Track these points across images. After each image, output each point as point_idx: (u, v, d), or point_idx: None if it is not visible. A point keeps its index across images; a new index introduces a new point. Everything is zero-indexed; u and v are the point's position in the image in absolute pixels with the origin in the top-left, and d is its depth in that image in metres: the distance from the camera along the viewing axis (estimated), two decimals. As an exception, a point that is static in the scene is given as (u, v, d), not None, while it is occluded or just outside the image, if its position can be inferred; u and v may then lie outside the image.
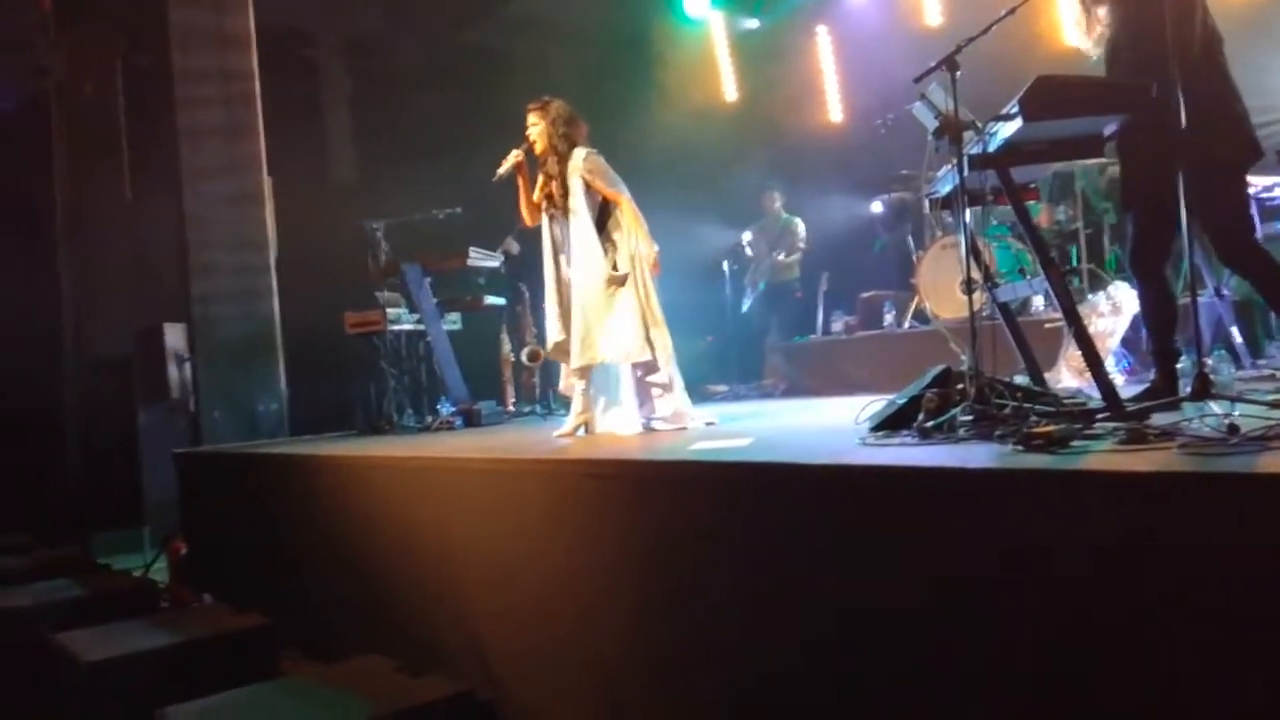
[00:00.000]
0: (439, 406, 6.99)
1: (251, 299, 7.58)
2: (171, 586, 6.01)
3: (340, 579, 4.67)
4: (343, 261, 7.92)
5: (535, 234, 5.23)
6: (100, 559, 6.66)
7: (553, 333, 4.91)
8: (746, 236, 9.44)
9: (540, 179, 4.95)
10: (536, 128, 4.89)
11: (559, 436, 4.82)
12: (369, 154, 10.39)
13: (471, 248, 6.93)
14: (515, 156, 4.95)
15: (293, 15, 9.53)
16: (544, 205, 4.94)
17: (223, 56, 7.64)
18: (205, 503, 6.23)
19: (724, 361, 9.10)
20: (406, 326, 7.00)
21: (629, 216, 4.81)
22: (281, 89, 8.35)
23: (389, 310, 6.87)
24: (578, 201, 4.80)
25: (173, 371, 7.44)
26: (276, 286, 7.66)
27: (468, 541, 3.87)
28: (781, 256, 8.93)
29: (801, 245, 8.97)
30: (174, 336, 7.51)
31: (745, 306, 9.16)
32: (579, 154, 4.83)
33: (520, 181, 5.00)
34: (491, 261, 7.24)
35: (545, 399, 7.60)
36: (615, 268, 4.76)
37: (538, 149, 4.92)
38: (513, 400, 7.75)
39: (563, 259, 4.91)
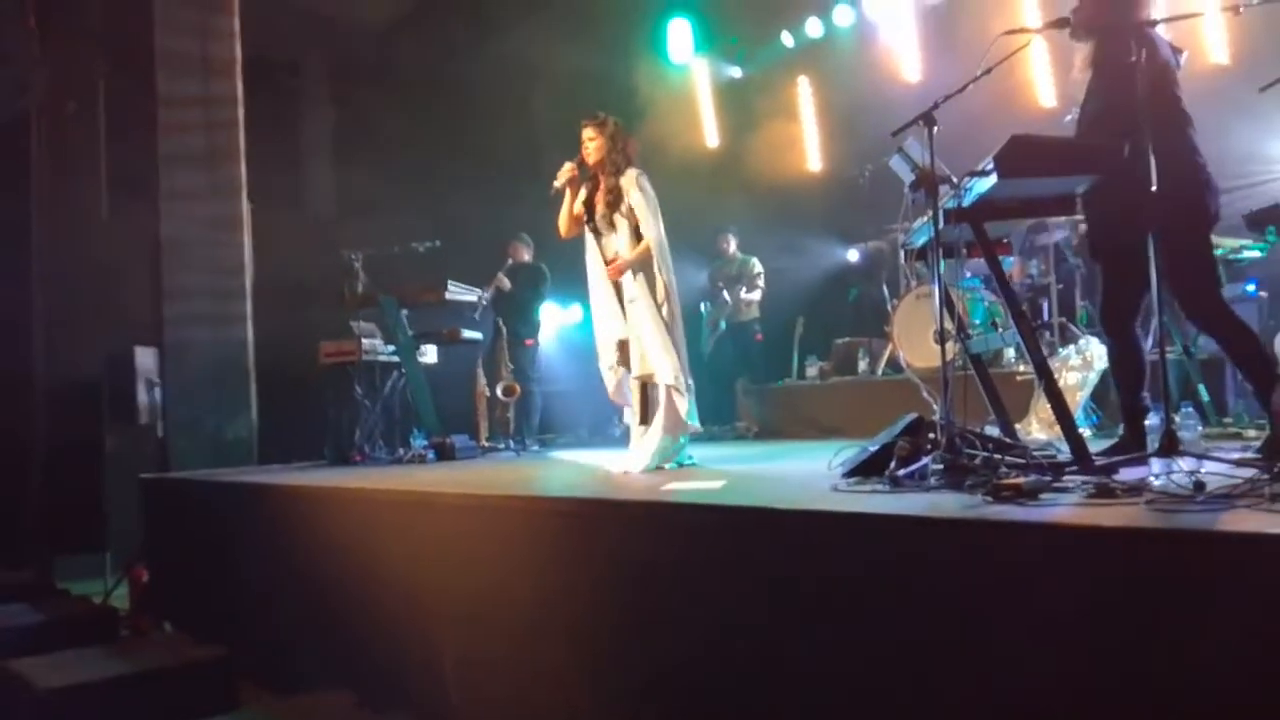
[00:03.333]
0: (411, 439, 6.96)
1: (225, 325, 7.53)
2: (132, 614, 5.90)
3: (305, 611, 4.61)
4: (319, 290, 7.90)
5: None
6: (61, 583, 6.56)
7: (608, 347, 4.99)
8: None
9: (584, 193, 5.02)
10: (594, 142, 4.95)
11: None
12: (349, 184, 10.40)
13: (450, 281, 6.93)
14: (569, 170, 5.01)
15: (278, 44, 9.57)
16: (585, 219, 5.02)
17: (206, 82, 7.65)
18: (170, 529, 6.15)
19: (699, 403, 9.09)
20: (381, 358, 6.99)
21: (654, 253, 4.86)
22: (264, 116, 8.36)
23: (364, 341, 6.85)
24: (629, 216, 4.89)
25: (142, 395, 7.34)
26: (251, 313, 7.62)
27: (436, 576, 3.84)
28: (744, 293, 8.93)
29: (760, 284, 8.98)
30: (145, 360, 7.44)
31: (708, 349, 9.15)
32: (633, 173, 4.91)
33: (569, 194, 5.06)
34: (470, 296, 7.26)
35: (519, 434, 7.60)
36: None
37: (591, 161, 4.97)
38: (486, 435, 7.73)
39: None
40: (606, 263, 4.95)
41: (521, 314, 8.18)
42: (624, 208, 4.87)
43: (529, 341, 8.22)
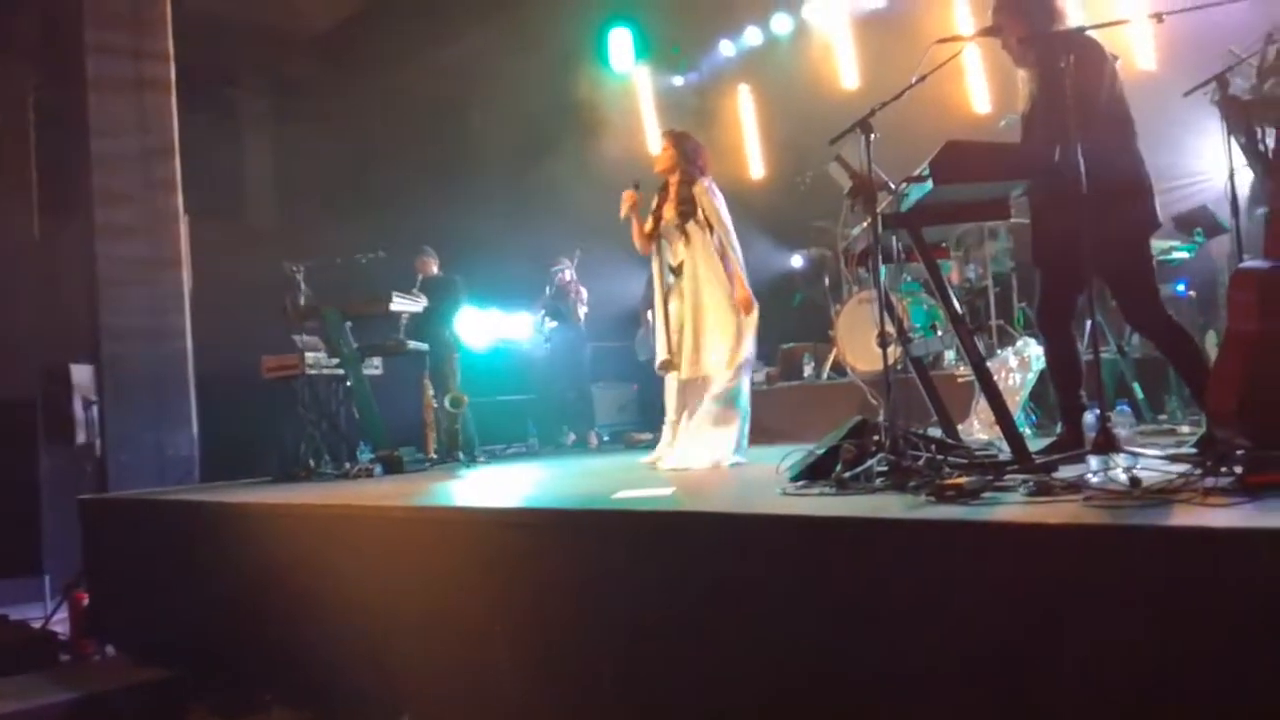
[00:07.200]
0: (358, 453, 6.89)
1: (164, 339, 7.40)
2: (73, 638, 5.77)
3: (253, 630, 4.54)
4: (260, 303, 7.79)
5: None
6: (-4, 609, 6.38)
7: (661, 350, 5.19)
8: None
9: (654, 202, 5.26)
10: (668, 152, 5.23)
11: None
12: (290, 195, 10.29)
13: (394, 293, 6.87)
14: (630, 197, 5.26)
15: (214, 54, 9.44)
16: (657, 227, 5.24)
17: (140, 94, 7.52)
18: (110, 551, 6.01)
19: (651, 409, 9.12)
20: (325, 371, 6.90)
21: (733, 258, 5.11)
22: (202, 127, 8.25)
23: (308, 354, 6.77)
24: (703, 224, 5.12)
25: (79, 413, 7.18)
26: (190, 328, 7.50)
27: (388, 590, 3.81)
28: None
29: None
30: (81, 377, 7.27)
31: (644, 356, 9.13)
32: (705, 183, 5.15)
33: (634, 218, 5.31)
34: (415, 306, 7.20)
35: (468, 446, 7.54)
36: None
37: (660, 169, 5.25)
38: (434, 447, 7.67)
39: (673, 278, 5.18)
40: (673, 270, 5.17)
41: (445, 326, 8.10)
42: (699, 216, 5.09)
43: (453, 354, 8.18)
